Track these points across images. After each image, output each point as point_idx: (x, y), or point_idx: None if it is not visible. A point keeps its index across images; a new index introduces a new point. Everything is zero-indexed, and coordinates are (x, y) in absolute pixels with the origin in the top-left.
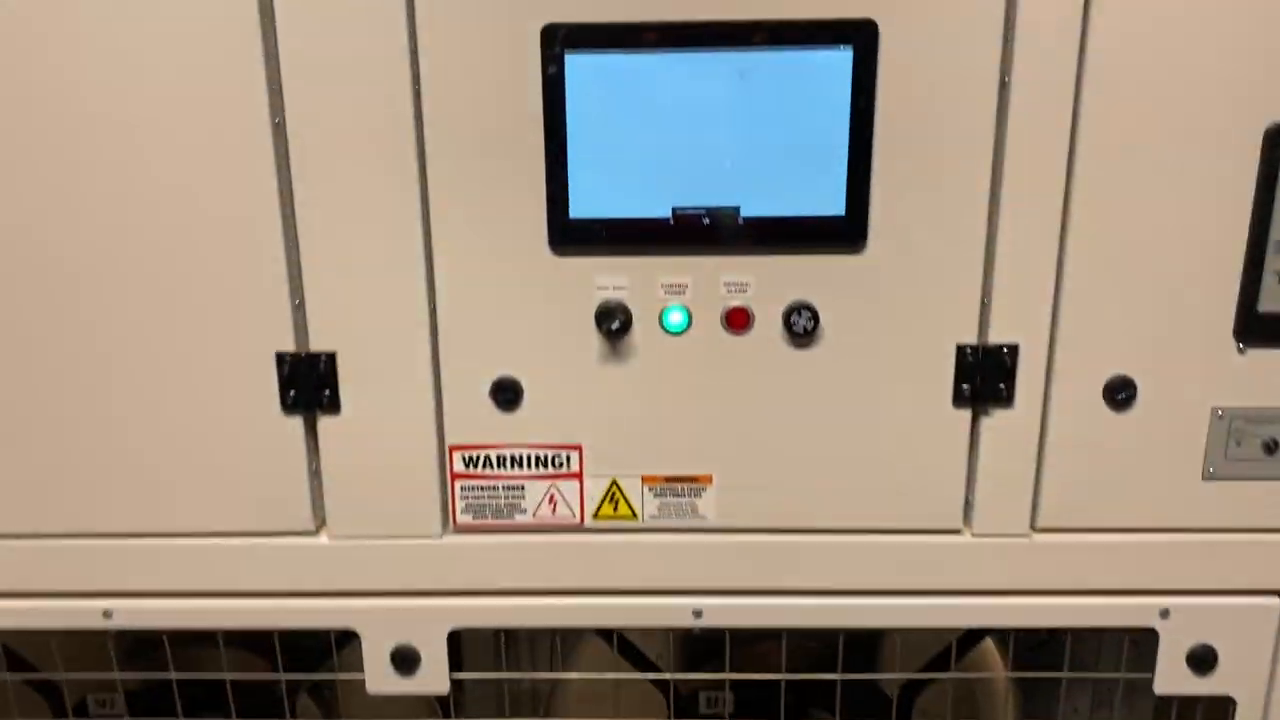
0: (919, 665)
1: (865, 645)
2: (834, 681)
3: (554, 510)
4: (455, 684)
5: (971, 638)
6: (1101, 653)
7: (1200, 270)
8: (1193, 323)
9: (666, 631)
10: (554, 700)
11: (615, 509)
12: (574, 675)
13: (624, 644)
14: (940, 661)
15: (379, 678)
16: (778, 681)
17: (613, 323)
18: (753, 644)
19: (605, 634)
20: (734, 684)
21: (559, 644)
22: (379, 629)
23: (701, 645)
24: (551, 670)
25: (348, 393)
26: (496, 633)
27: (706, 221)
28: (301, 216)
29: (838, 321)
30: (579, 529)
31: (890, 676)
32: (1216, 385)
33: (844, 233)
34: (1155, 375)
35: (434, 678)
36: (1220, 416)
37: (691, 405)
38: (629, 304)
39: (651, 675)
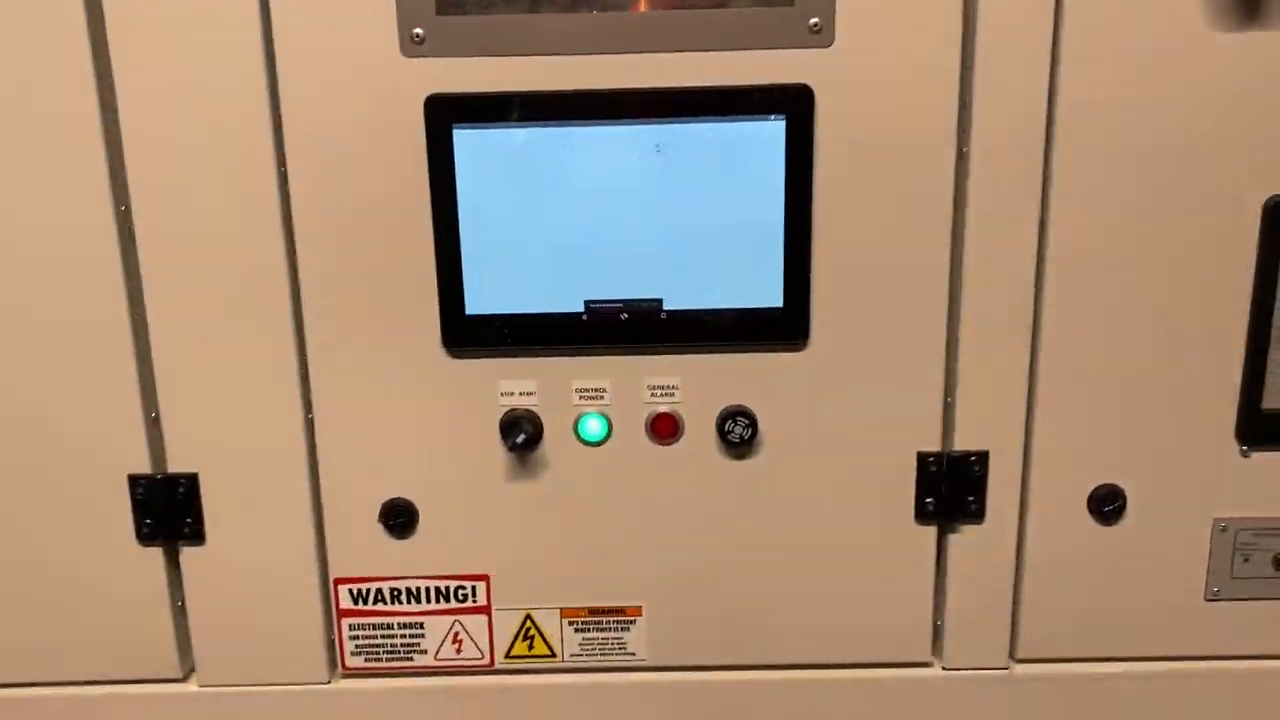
0: None
1: None
2: None
3: (459, 650)
4: None
5: None
6: None
7: (1195, 364)
8: (1188, 423)
9: None
10: None
11: (530, 647)
12: None
13: None
14: None
15: None
16: None
17: (518, 435)
18: None
19: None
20: None
21: None
22: None
23: None
24: None
25: (213, 520)
26: None
27: (625, 317)
28: (153, 315)
29: (779, 428)
30: (489, 670)
31: None
32: (1218, 494)
33: (782, 327)
34: (1147, 483)
35: None
36: (1223, 529)
37: (615, 527)
38: (539, 412)
39: None
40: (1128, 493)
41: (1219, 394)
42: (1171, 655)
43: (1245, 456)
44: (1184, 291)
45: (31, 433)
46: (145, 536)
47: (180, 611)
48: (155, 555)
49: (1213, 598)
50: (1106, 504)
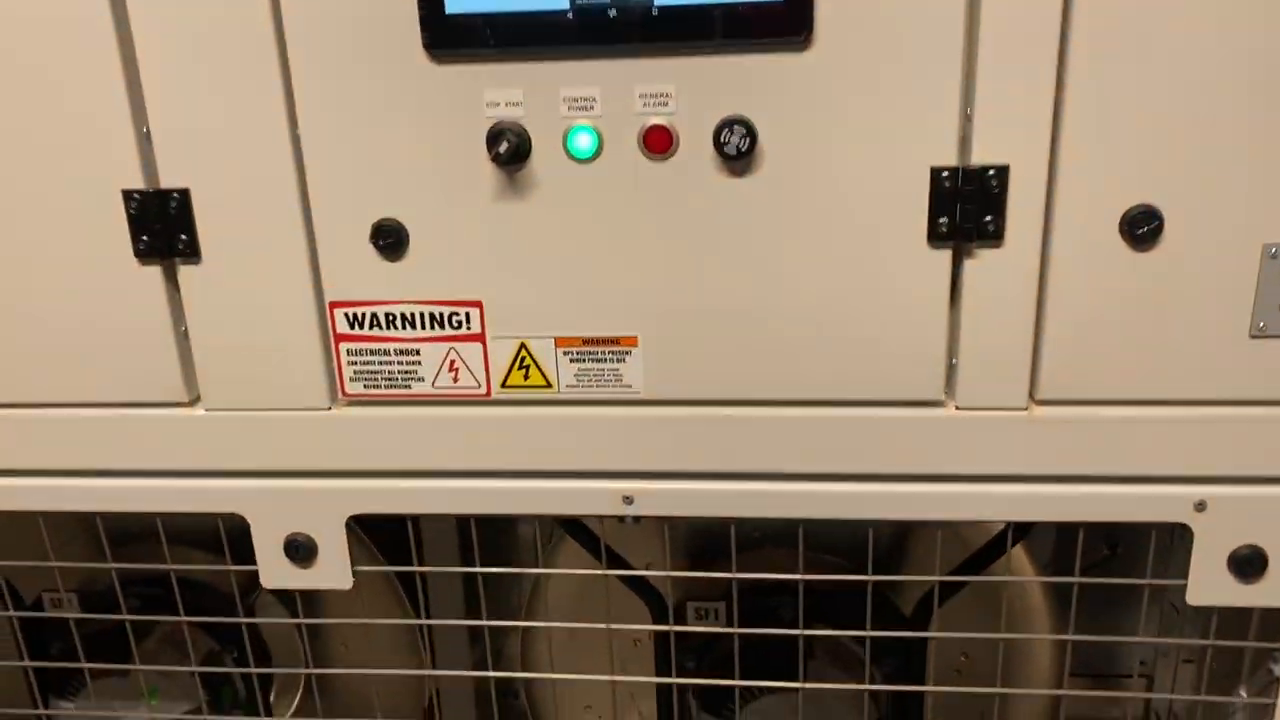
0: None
1: (881, 559)
2: (843, 596)
3: (456, 378)
4: (423, 578)
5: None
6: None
7: (1246, 70)
8: (1237, 136)
9: (663, 530)
10: (533, 603)
11: (526, 377)
12: (503, 570)
13: (607, 551)
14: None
15: (272, 570)
16: (788, 591)
17: (501, 144)
18: (756, 549)
19: (578, 530)
20: (729, 597)
21: (539, 539)
22: (268, 515)
23: (699, 549)
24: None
25: (207, 237)
26: (459, 522)
27: (613, 13)
28: (139, 34)
29: (780, 140)
30: (486, 401)
31: (892, 579)
32: (1268, 215)
33: (783, 23)
34: (1187, 203)
35: (334, 570)
36: (1274, 255)
37: (608, 250)
38: (526, 125)
39: (622, 572)
40: (1165, 213)
41: (1273, 102)
42: (1210, 400)
43: None
44: None
45: (27, 151)
46: (142, 254)
47: (183, 335)
48: (154, 273)
49: (1258, 334)
50: (1140, 225)
